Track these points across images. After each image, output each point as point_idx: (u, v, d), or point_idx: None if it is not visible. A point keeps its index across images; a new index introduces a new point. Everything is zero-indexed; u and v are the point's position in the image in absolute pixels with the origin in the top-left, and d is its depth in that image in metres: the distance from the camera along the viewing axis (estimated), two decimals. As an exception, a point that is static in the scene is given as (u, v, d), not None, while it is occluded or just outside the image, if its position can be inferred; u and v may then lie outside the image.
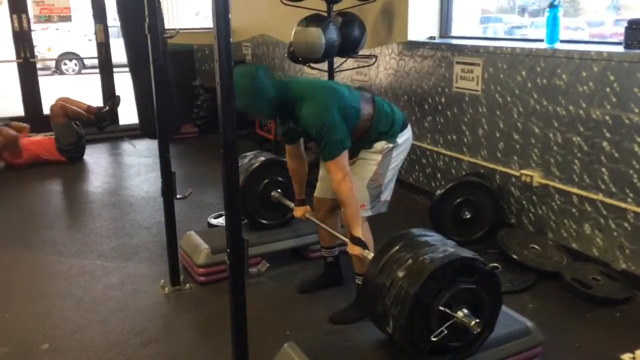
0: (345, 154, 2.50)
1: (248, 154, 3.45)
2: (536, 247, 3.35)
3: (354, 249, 2.53)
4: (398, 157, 2.74)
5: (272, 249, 3.31)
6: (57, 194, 5.23)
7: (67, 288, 3.22)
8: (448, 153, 4.25)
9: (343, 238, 2.66)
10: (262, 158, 3.34)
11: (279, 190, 3.29)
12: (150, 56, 2.83)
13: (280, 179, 3.30)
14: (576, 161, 3.28)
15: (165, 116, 2.94)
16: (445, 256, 2.00)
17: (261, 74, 2.46)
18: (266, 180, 3.29)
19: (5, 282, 3.32)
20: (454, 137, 4.17)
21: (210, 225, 3.94)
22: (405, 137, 2.74)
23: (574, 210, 3.33)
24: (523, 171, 3.58)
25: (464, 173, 4.10)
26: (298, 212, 2.98)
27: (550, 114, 3.39)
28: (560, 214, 3.43)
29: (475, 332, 1.97)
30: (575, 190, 3.30)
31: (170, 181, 2.98)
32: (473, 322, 1.94)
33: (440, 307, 1.95)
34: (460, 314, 1.96)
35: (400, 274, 2.01)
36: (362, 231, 2.56)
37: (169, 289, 3.13)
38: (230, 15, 1.68)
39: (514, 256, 3.24)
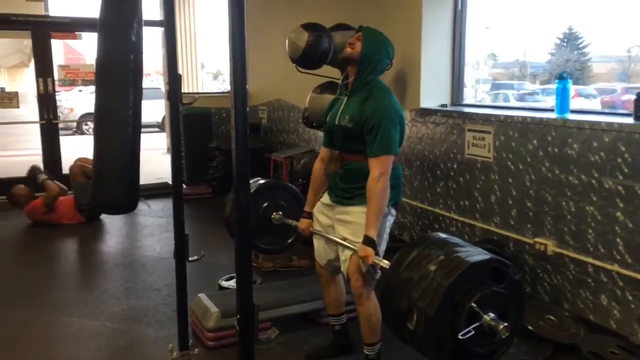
0: (390, 159, 2.51)
1: None
2: (552, 318, 3.28)
3: (366, 250, 2.42)
4: (386, 230, 2.67)
5: (282, 314, 3.28)
6: (71, 253, 5.26)
7: (76, 351, 3.19)
8: (461, 219, 4.24)
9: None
10: (261, 181, 3.27)
11: (280, 213, 3.20)
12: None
13: (281, 202, 3.22)
14: (590, 230, 3.25)
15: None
16: (481, 255, 1.96)
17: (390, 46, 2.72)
18: (266, 204, 3.20)
19: (16, 344, 3.30)
20: (467, 203, 4.18)
21: (221, 288, 3.92)
22: (394, 215, 2.71)
23: (589, 280, 3.28)
24: (537, 239, 3.56)
25: (477, 239, 4.07)
26: (303, 223, 2.90)
27: (563, 182, 3.40)
28: (575, 284, 3.37)
29: (503, 337, 1.87)
30: (590, 260, 3.26)
31: (183, 244, 2.99)
32: (502, 326, 1.86)
33: (472, 304, 1.87)
34: (487, 317, 1.88)
35: (432, 267, 1.94)
36: (372, 306, 2.50)
37: (177, 353, 3.09)
38: (247, 86, 1.75)
39: (530, 327, 3.17)
